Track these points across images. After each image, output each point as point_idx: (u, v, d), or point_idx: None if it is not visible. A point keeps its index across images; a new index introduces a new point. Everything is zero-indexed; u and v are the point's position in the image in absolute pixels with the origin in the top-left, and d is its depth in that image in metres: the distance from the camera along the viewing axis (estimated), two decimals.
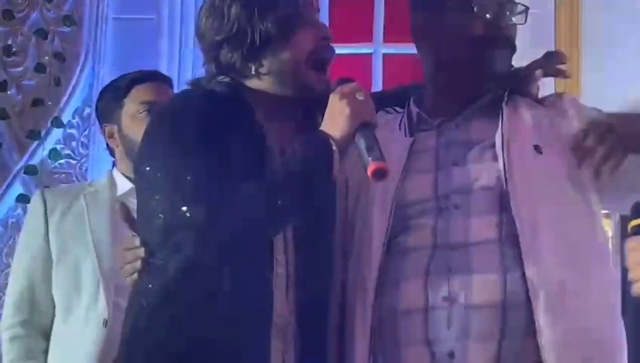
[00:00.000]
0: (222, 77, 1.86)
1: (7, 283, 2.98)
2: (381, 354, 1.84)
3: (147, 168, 1.85)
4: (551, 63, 2.03)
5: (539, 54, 2.08)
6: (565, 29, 4.39)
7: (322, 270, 1.90)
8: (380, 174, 1.69)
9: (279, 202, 1.72)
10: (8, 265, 3.91)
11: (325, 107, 1.82)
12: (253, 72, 1.86)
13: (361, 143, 1.72)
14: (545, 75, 2.01)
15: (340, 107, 1.76)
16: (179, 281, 1.77)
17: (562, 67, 2.01)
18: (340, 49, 3.34)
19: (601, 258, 1.88)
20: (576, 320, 1.76)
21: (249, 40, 1.85)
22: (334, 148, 1.70)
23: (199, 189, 1.73)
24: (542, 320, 1.70)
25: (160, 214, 1.80)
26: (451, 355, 1.75)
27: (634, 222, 1.67)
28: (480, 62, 1.95)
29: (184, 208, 1.70)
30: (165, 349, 1.79)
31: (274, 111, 1.86)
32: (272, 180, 1.74)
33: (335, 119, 1.77)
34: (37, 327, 2.65)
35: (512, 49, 1.97)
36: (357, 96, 1.78)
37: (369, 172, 1.69)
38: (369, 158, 1.69)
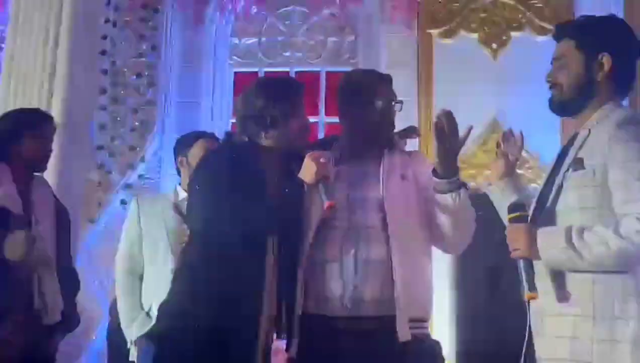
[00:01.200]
0: (244, 136, 2.65)
1: None
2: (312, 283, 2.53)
3: (194, 187, 2.61)
4: (410, 131, 2.86)
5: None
6: (425, 108, 6.11)
7: (292, 246, 2.59)
8: (332, 208, 2.48)
9: (272, 219, 2.48)
10: None
11: (302, 158, 2.52)
12: (262, 137, 2.63)
13: (321, 188, 2.49)
14: (406, 138, 2.82)
15: (310, 166, 2.50)
16: (204, 254, 2.48)
17: (415, 134, 2.87)
18: None
19: (425, 240, 2.61)
20: (413, 267, 2.52)
21: (264, 118, 2.60)
22: (305, 187, 2.50)
23: (218, 207, 2.45)
24: (397, 270, 2.47)
25: (196, 217, 2.58)
26: (355, 287, 2.48)
27: (509, 216, 2.17)
28: (376, 132, 2.66)
29: (208, 218, 2.46)
30: (192, 289, 2.48)
31: (273, 157, 2.61)
32: (269, 203, 2.48)
33: (307, 172, 2.51)
34: (135, 273, 3.42)
35: (393, 126, 2.71)
36: (321, 160, 2.51)
37: (325, 206, 2.47)
38: (324, 198, 2.48)
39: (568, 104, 2.25)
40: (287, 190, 2.53)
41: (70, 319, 3.14)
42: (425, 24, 6.32)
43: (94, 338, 5.74)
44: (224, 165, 2.54)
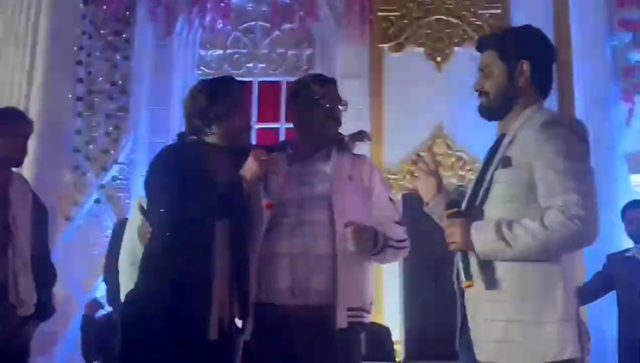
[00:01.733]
0: (192, 135, 2.67)
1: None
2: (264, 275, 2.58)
3: (147, 184, 2.63)
4: (361, 136, 2.85)
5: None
6: (376, 115, 6.35)
7: (243, 236, 2.61)
8: (269, 207, 2.56)
9: (215, 206, 2.51)
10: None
11: (246, 155, 2.53)
12: (207, 133, 2.65)
13: (261, 186, 2.56)
14: (357, 141, 2.84)
15: (252, 164, 2.53)
16: (161, 244, 2.54)
17: (366, 138, 2.85)
18: (264, 125, 5.53)
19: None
20: (356, 261, 2.59)
21: (207, 115, 2.62)
22: (245, 185, 2.52)
23: (171, 200, 2.49)
24: (340, 263, 2.55)
25: (152, 211, 2.66)
26: (303, 279, 2.55)
27: (446, 212, 2.23)
28: (320, 131, 2.72)
29: (162, 210, 2.52)
30: (153, 276, 2.53)
31: (218, 152, 2.64)
32: (213, 196, 2.50)
33: (249, 169, 2.53)
34: (136, 264, 2.95)
35: (339, 124, 2.75)
36: (262, 158, 2.53)
37: (264, 205, 2.55)
38: (264, 196, 2.56)
39: (495, 109, 2.31)
40: (231, 179, 2.56)
41: (45, 309, 3.15)
42: (376, 38, 6.55)
43: (69, 327, 5.80)
44: (172, 161, 2.59)
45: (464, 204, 2.28)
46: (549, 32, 6.00)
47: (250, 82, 6.56)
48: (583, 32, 6.24)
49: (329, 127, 2.75)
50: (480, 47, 2.39)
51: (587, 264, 5.05)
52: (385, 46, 6.56)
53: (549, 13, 6.33)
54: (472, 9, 6.58)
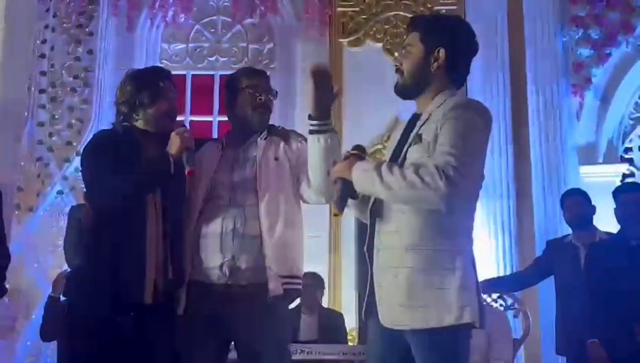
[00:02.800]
0: (122, 121, 2.84)
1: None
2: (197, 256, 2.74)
3: (82, 168, 2.87)
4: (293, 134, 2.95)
5: None
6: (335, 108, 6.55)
7: (175, 210, 2.80)
8: (191, 173, 2.73)
9: (144, 177, 2.69)
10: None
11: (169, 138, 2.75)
12: (135, 119, 2.82)
13: (184, 157, 2.71)
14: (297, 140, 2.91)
15: (175, 139, 2.73)
16: (97, 223, 2.79)
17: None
18: (198, 118, 5.66)
19: (294, 213, 2.81)
20: (283, 238, 2.73)
21: (133, 103, 2.80)
22: (171, 159, 2.68)
23: (103, 178, 2.67)
24: (265, 241, 2.69)
25: (88, 194, 2.95)
26: (233, 257, 2.71)
27: (347, 153, 2.36)
28: (252, 120, 2.88)
29: (98, 189, 2.71)
30: (91, 255, 2.76)
31: (147, 138, 2.82)
32: (137, 174, 2.68)
33: (172, 145, 2.72)
34: None
35: (269, 112, 2.92)
36: (184, 133, 2.75)
37: (186, 172, 2.71)
38: (187, 165, 2.70)
39: (407, 88, 2.40)
40: (157, 155, 2.72)
41: None
42: (336, 33, 6.67)
43: (33, 317, 5.88)
44: (102, 145, 2.77)
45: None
46: (503, 28, 6.39)
47: (212, 75, 6.71)
48: (536, 28, 6.42)
49: (258, 115, 2.89)
50: (409, 27, 2.48)
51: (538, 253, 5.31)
52: (345, 40, 6.67)
53: (503, 9, 6.51)
54: (428, 5, 6.69)
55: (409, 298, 2.22)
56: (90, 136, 5.88)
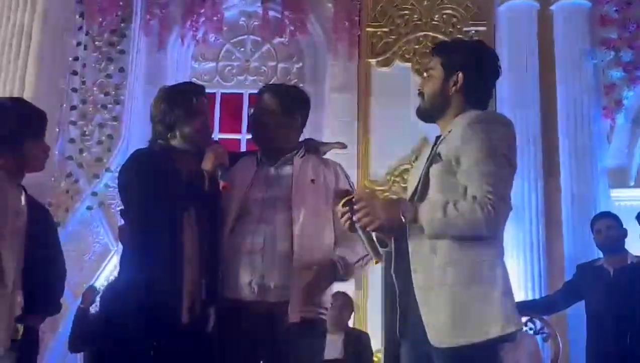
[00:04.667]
0: (158, 139, 2.84)
1: None
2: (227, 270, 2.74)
3: (120, 187, 2.88)
4: (337, 145, 3.08)
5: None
6: (363, 127, 6.56)
7: (210, 228, 2.79)
8: (225, 188, 2.70)
9: (181, 195, 2.70)
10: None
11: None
12: (171, 136, 2.81)
13: (218, 173, 2.72)
14: (327, 148, 3.04)
15: (209, 156, 2.76)
16: (135, 239, 2.78)
17: (341, 147, 3.07)
18: (227, 136, 5.73)
19: (329, 235, 2.78)
20: (311, 261, 2.71)
21: (168, 120, 2.79)
22: (206, 175, 2.70)
23: (141, 197, 2.71)
24: (296, 262, 2.67)
25: (128, 211, 2.93)
26: (262, 276, 2.70)
27: (342, 201, 2.34)
28: (285, 139, 2.91)
29: (136, 207, 2.72)
30: (127, 271, 2.78)
31: (183, 155, 2.82)
32: (174, 190, 2.68)
33: (207, 162, 2.74)
34: None
35: (301, 131, 2.97)
36: (218, 150, 2.78)
37: (221, 186, 2.68)
38: (221, 180, 2.69)
39: (427, 111, 2.46)
40: (193, 174, 2.73)
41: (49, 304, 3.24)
42: (364, 54, 6.73)
43: (59, 330, 5.92)
44: (140, 163, 2.77)
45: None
46: (533, 50, 6.37)
47: (241, 94, 6.79)
48: (566, 50, 6.42)
49: (291, 134, 2.92)
50: (432, 53, 2.53)
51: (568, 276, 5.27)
52: (373, 60, 6.73)
53: (533, 31, 6.51)
54: (458, 26, 6.75)
55: (454, 316, 2.23)
56: (120, 153, 6.33)
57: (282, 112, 2.90)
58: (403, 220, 2.27)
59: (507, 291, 2.26)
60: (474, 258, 2.25)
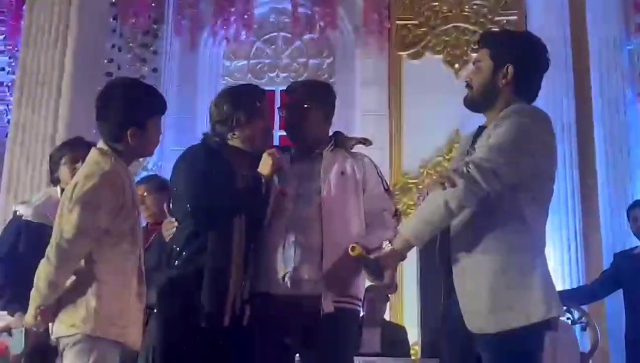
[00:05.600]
0: (215, 137, 2.86)
1: None
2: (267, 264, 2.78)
3: (173, 182, 2.83)
4: (362, 140, 3.03)
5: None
6: (395, 121, 6.58)
7: (257, 232, 2.80)
8: (283, 193, 2.81)
9: (238, 199, 2.72)
10: None
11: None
12: (229, 137, 2.85)
13: (275, 178, 2.80)
14: (358, 144, 3.04)
15: (267, 160, 2.79)
16: (186, 237, 2.74)
17: (366, 142, 3.03)
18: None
19: (357, 226, 2.83)
20: (340, 254, 2.68)
21: (230, 121, 2.82)
22: (263, 179, 2.74)
23: (197, 195, 2.68)
24: (326, 255, 2.71)
25: (180, 207, 2.80)
26: (295, 269, 2.76)
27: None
28: (316, 134, 2.94)
29: (191, 207, 2.68)
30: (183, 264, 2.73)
31: (240, 156, 2.83)
32: (232, 192, 2.71)
33: (265, 166, 2.78)
34: None
35: (329, 125, 3.00)
36: (275, 155, 2.80)
37: (279, 191, 2.79)
38: (279, 185, 2.80)
39: (476, 102, 2.45)
40: (250, 177, 2.76)
41: None
42: (395, 47, 6.75)
43: None
44: (197, 160, 2.77)
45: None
46: (566, 38, 6.30)
47: (272, 91, 6.78)
48: (599, 37, 6.32)
49: (321, 129, 2.96)
50: (480, 43, 2.54)
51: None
52: (404, 53, 6.75)
53: (565, 18, 6.43)
54: (489, 16, 6.72)
55: (494, 302, 2.25)
56: (156, 152, 6.23)
57: (313, 108, 2.92)
58: (400, 252, 2.35)
59: (547, 278, 2.27)
60: (511, 246, 2.26)
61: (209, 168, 2.73)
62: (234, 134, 2.85)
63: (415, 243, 2.32)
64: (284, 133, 3.05)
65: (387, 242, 2.43)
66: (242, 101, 2.85)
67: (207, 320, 2.66)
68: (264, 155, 2.78)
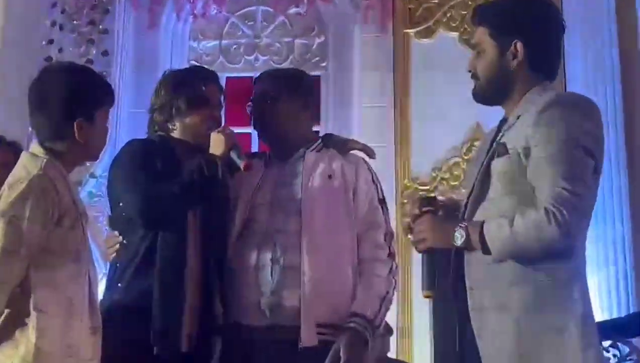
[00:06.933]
0: (158, 131, 2.88)
1: None
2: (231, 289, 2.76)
3: (114, 186, 2.84)
4: (363, 148, 3.02)
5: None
6: (401, 114, 6.52)
7: (216, 236, 2.81)
8: (248, 167, 2.72)
9: (186, 191, 2.66)
10: None
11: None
12: (171, 128, 2.87)
13: (234, 154, 2.74)
14: (355, 149, 3.01)
15: (219, 138, 2.74)
16: (134, 251, 2.73)
17: (367, 151, 3.00)
18: (234, 129, 5.63)
19: (345, 244, 2.82)
20: (328, 272, 2.74)
21: (169, 109, 2.85)
22: (218, 160, 2.69)
23: (140, 193, 2.66)
24: (306, 275, 2.69)
25: (123, 213, 2.76)
26: (273, 294, 2.71)
27: (421, 211, 2.38)
28: (292, 132, 2.94)
29: (134, 205, 2.66)
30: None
31: (186, 150, 2.85)
32: (181, 180, 2.67)
33: (217, 145, 2.73)
34: None
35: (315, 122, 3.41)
36: (226, 131, 2.79)
37: (242, 167, 2.71)
38: (240, 159, 2.71)
39: (487, 94, 2.39)
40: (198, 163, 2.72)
41: None
42: (401, 23, 6.68)
43: None
44: (139, 155, 2.79)
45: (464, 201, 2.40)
46: (611, 15, 6.24)
47: (251, 78, 6.68)
48: None
49: (301, 124, 2.97)
50: (473, 20, 2.47)
51: None
52: (412, 31, 6.68)
53: None
54: None
55: (520, 346, 2.19)
56: (107, 155, 5.50)
57: (280, 100, 2.93)
58: (454, 247, 2.27)
59: (588, 320, 2.21)
60: (545, 275, 2.20)
61: (152, 160, 2.74)
62: (174, 125, 2.87)
63: (493, 255, 2.23)
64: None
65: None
66: (184, 86, 2.87)
67: (161, 352, 2.65)
68: (213, 134, 2.76)
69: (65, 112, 2.52)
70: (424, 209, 2.36)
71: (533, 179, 2.22)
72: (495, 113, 2.51)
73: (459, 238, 2.25)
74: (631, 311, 5.65)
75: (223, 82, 6.71)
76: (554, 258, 2.20)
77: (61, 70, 2.72)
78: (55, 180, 2.47)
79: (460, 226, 2.25)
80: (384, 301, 2.81)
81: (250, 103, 3.00)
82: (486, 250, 2.21)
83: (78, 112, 2.52)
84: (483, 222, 2.22)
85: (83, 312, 2.50)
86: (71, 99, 2.53)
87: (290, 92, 2.95)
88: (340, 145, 3.00)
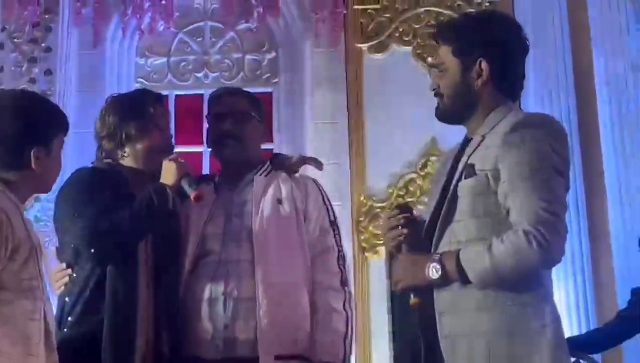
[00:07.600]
0: (106, 158, 2.87)
1: None
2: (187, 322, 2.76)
3: (60, 218, 2.82)
4: (310, 162, 3.10)
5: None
6: (355, 130, 6.45)
7: (167, 267, 2.82)
8: (199, 197, 2.70)
9: (135, 222, 2.65)
10: None
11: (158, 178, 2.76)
12: (121, 155, 2.86)
13: (185, 183, 2.73)
14: (303, 165, 3.07)
15: (170, 167, 2.75)
16: (83, 284, 2.72)
17: (315, 164, 3.06)
18: (184, 148, 5.62)
19: (299, 271, 2.83)
20: (284, 301, 2.75)
21: (118, 136, 2.84)
22: (168, 190, 2.69)
23: (89, 224, 2.65)
24: (261, 306, 2.69)
25: (71, 245, 2.75)
26: (226, 327, 2.73)
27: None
28: (252, 155, 2.99)
29: (83, 238, 2.65)
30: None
31: (138, 177, 2.86)
32: (131, 210, 2.65)
33: (168, 174, 2.74)
34: None
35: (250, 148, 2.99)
36: (178, 160, 2.79)
37: (192, 197, 2.69)
38: (191, 189, 2.70)
39: (451, 113, 2.42)
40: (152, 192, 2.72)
41: None
42: (353, 37, 6.66)
43: None
44: (86, 184, 2.78)
45: (425, 223, 2.39)
46: (563, 18, 6.27)
47: (200, 95, 6.68)
48: (604, 17, 6.28)
49: (259, 148, 3.02)
50: (436, 39, 2.48)
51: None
52: (364, 46, 6.66)
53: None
54: None
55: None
56: None
57: (255, 119, 2.97)
58: (431, 281, 2.26)
59: (558, 340, 2.22)
60: (515, 300, 2.21)
61: (98, 194, 2.69)
62: (124, 152, 2.85)
63: (474, 285, 2.23)
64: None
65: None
66: (131, 110, 2.85)
67: None
68: (165, 162, 2.74)
69: (20, 141, 2.46)
70: (403, 215, 2.38)
71: (506, 201, 2.22)
72: (450, 128, 2.51)
73: (434, 272, 2.24)
74: (592, 326, 5.65)
75: (172, 100, 6.80)
76: (531, 282, 2.22)
77: (14, 98, 2.66)
78: (9, 212, 2.40)
79: (434, 259, 2.24)
80: (347, 339, 2.84)
81: (210, 119, 2.99)
82: (464, 279, 2.20)
83: (35, 142, 2.46)
84: (459, 251, 2.21)
85: (39, 350, 2.44)
86: (27, 128, 2.47)
87: (259, 113, 2.99)
88: (287, 165, 3.00)
